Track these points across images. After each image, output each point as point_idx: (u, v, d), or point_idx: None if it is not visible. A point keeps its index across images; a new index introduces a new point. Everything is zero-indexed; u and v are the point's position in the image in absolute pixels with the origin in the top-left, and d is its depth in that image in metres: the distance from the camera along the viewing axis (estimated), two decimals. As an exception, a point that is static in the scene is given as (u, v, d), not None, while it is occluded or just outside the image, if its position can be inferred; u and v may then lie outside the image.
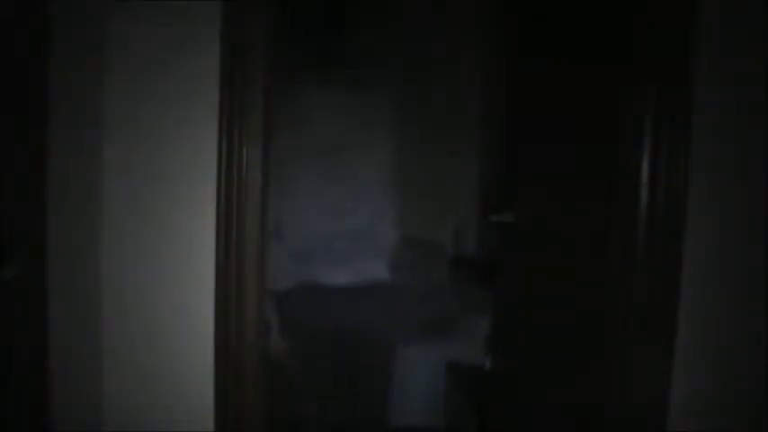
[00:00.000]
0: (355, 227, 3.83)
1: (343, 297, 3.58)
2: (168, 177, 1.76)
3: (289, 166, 3.59)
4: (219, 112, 1.73)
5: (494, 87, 3.48)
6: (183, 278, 1.78)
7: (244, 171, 1.74)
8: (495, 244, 2.63)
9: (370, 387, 3.20)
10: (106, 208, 1.75)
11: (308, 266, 3.73)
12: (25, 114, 1.43)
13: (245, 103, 1.73)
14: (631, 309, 1.72)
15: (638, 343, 1.71)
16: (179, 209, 1.77)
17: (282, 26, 2.02)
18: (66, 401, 1.58)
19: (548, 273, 2.11)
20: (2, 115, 1.38)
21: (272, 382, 3.07)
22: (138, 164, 1.75)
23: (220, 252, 1.75)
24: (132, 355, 1.77)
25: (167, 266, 1.77)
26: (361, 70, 3.85)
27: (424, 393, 3.20)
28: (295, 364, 3.21)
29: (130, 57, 1.73)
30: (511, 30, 2.44)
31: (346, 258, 3.77)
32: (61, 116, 1.53)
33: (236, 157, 1.73)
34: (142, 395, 1.77)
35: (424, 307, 3.56)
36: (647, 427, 1.71)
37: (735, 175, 1.72)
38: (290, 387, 3.14)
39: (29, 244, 1.45)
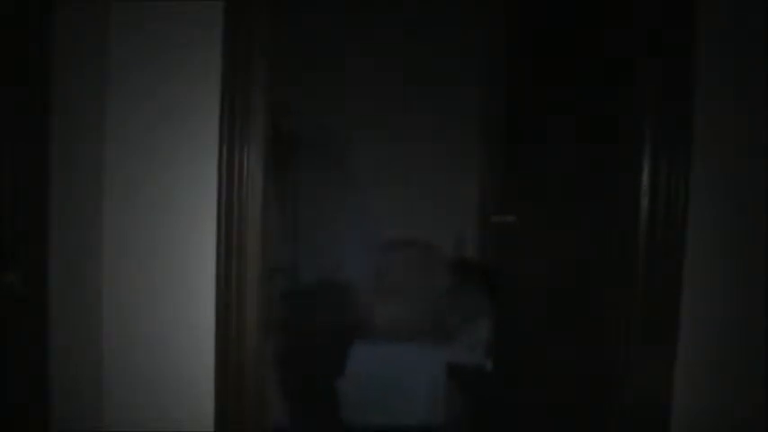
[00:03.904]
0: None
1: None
2: (169, 180, 1.76)
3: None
4: (221, 112, 1.73)
5: (494, 88, 3.48)
6: (184, 279, 1.78)
7: (245, 172, 1.74)
8: (496, 247, 2.63)
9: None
10: (107, 209, 1.75)
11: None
12: (26, 115, 1.44)
13: (246, 104, 1.73)
14: (632, 310, 1.72)
15: (638, 343, 1.71)
16: (180, 211, 1.77)
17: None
18: (66, 401, 1.58)
19: (548, 275, 2.11)
20: (2, 115, 1.38)
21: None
22: (139, 165, 1.75)
23: (221, 254, 1.75)
24: (132, 355, 1.77)
25: (168, 268, 1.77)
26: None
27: (425, 395, 3.20)
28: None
29: (131, 57, 1.73)
30: (512, 32, 2.44)
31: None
32: (62, 116, 1.54)
33: (237, 158, 1.73)
34: (142, 395, 1.77)
35: (425, 310, 3.56)
36: (647, 427, 1.71)
37: (735, 175, 1.71)
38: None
39: (30, 245, 1.45)
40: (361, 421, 3.12)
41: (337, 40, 3.88)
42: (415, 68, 3.92)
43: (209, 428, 1.77)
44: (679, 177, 1.68)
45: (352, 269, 3.78)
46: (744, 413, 1.72)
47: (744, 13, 1.69)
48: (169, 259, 1.77)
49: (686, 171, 1.68)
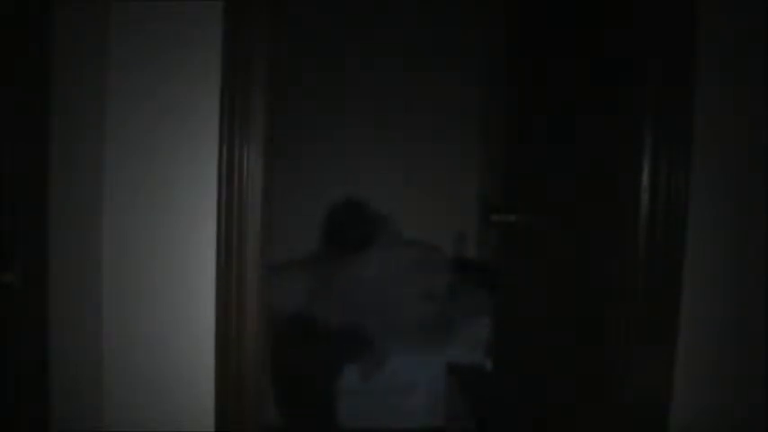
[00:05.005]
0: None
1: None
2: (169, 180, 1.76)
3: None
4: (221, 112, 1.73)
5: (494, 88, 3.49)
6: (184, 278, 1.78)
7: (245, 172, 1.74)
8: (496, 245, 2.63)
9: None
10: (107, 209, 1.75)
11: None
12: (26, 115, 1.44)
13: (246, 104, 1.73)
14: (632, 310, 1.72)
15: (638, 343, 1.71)
16: (180, 211, 1.77)
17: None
18: (66, 401, 1.58)
19: (548, 274, 2.11)
20: (2, 115, 1.38)
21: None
22: (139, 165, 1.75)
23: (221, 254, 1.75)
24: (132, 355, 1.77)
25: (168, 268, 1.77)
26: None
27: (425, 395, 3.20)
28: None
29: (131, 57, 1.73)
30: (511, 32, 2.45)
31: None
32: (62, 116, 1.54)
33: (237, 158, 1.73)
34: (142, 395, 1.77)
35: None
36: (647, 427, 1.71)
37: (735, 175, 1.72)
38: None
39: (30, 245, 1.45)
40: (361, 423, 3.13)
41: (337, 40, 3.88)
42: (416, 68, 3.93)
43: (209, 428, 1.77)
44: (679, 177, 1.68)
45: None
46: (744, 413, 1.72)
47: (744, 13, 1.69)
48: (169, 259, 1.77)
49: (686, 171, 1.68)
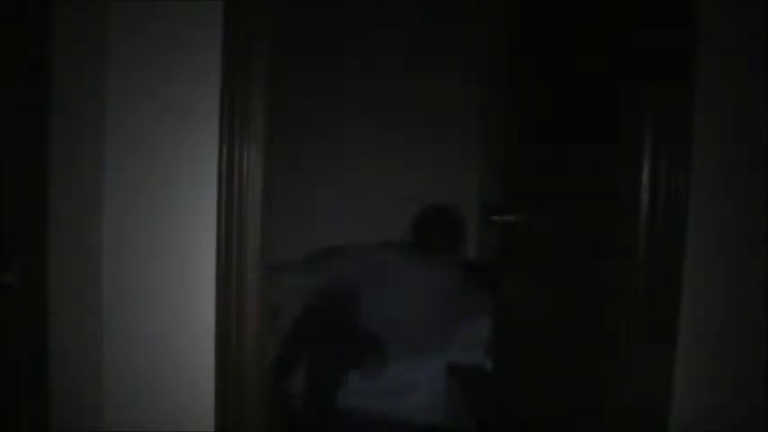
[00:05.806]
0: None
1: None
2: (169, 180, 1.76)
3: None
4: (221, 112, 1.73)
5: (494, 88, 3.49)
6: (184, 278, 1.78)
7: (245, 172, 1.74)
8: (496, 245, 2.63)
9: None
10: (107, 209, 1.76)
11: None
12: (26, 115, 1.44)
13: (246, 104, 1.73)
14: (632, 310, 1.72)
15: (638, 343, 1.71)
16: (180, 211, 1.77)
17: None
18: (66, 401, 1.58)
19: (548, 274, 2.11)
20: (2, 115, 1.38)
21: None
22: (139, 165, 1.75)
23: (221, 254, 1.75)
24: (132, 355, 1.77)
25: (168, 268, 1.77)
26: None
27: (425, 395, 3.20)
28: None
29: (131, 57, 1.73)
30: (512, 32, 2.45)
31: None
32: (62, 116, 1.54)
33: (237, 158, 1.73)
34: (142, 395, 1.78)
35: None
36: (647, 427, 1.71)
37: (735, 175, 1.71)
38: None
39: (30, 245, 1.45)
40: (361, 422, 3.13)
41: (337, 40, 3.89)
42: (416, 68, 3.93)
43: (209, 428, 1.77)
44: (679, 177, 1.68)
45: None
46: (744, 413, 1.72)
47: (744, 13, 1.69)
48: (169, 259, 1.77)
49: (686, 171, 1.68)
